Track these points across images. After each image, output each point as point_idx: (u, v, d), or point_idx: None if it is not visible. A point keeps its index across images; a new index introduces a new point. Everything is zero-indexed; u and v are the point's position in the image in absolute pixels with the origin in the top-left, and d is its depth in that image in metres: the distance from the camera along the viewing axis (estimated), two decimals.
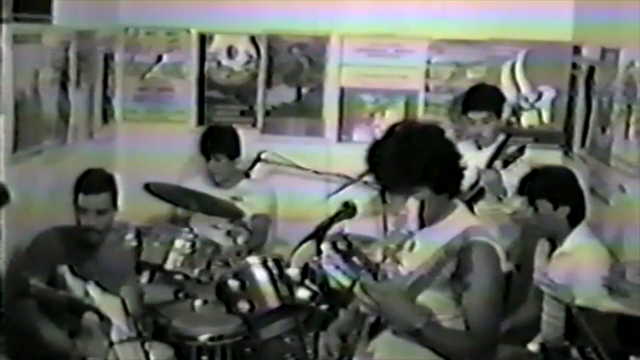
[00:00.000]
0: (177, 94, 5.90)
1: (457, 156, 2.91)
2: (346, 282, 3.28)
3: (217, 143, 5.05)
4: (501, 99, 5.07)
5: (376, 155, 2.87)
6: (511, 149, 4.61)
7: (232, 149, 5.09)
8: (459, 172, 2.94)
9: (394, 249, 2.89)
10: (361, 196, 4.25)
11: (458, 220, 2.89)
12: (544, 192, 3.87)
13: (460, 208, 2.98)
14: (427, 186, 2.83)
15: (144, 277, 4.14)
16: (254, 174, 5.28)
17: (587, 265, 3.74)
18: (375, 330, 2.88)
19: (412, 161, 2.77)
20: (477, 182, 4.58)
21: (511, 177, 4.40)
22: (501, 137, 4.82)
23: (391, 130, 2.93)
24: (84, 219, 3.83)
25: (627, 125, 4.18)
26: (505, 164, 4.52)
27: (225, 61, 5.84)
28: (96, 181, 3.91)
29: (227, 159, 5.04)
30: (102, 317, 2.97)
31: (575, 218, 3.89)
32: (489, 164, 4.57)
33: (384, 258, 2.83)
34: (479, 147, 4.86)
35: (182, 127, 5.86)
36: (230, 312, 4.02)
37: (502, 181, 4.51)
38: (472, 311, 2.73)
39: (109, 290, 3.06)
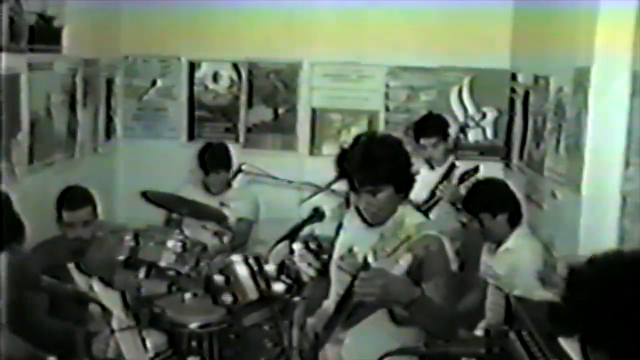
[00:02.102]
0: (170, 113, 5.92)
1: (411, 163, 2.94)
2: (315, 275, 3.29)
3: (217, 159, 5.03)
4: (446, 125, 5.08)
5: (345, 161, 2.90)
6: (463, 168, 4.70)
7: (229, 164, 5.09)
8: (412, 177, 2.98)
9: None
10: (329, 202, 4.23)
11: (413, 220, 2.87)
12: (482, 207, 3.91)
13: (411, 209, 3.01)
14: (390, 185, 2.85)
15: (141, 273, 4.07)
16: (236, 183, 5.24)
17: (526, 261, 3.76)
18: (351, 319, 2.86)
19: (377, 164, 2.79)
20: (432, 195, 4.66)
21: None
22: (451, 158, 4.90)
23: (357, 140, 2.94)
24: (71, 232, 3.82)
25: (558, 141, 4.20)
26: (462, 180, 4.60)
27: (211, 85, 5.87)
28: (78, 197, 3.89)
29: (225, 172, 5.03)
30: (105, 309, 2.97)
31: (514, 220, 3.92)
32: (441, 182, 4.65)
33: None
34: (432, 167, 4.92)
35: (174, 142, 5.89)
36: (216, 304, 3.87)
37: (460, 192, 4.54)
38: (429, 291, 2.69)
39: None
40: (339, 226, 3.21)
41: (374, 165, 2.80)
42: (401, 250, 2.52)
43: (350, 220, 3.12)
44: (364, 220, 2.99)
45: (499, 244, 3.95)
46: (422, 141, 4.89)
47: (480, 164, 4.72)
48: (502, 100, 5.58)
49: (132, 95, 5.90)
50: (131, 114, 5.92)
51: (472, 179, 4.48)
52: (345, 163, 2.91)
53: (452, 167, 4.80)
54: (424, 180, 4.57)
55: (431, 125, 4.98)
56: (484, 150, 5.71)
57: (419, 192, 4.27)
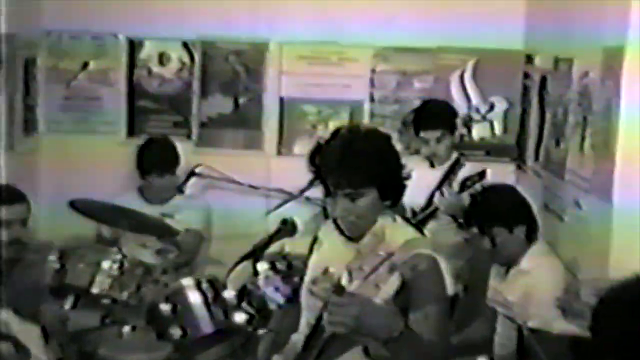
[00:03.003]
0: (106, 103, 5.88)
1: (401, 165, 2.96)
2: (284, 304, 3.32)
3: (160, 159, 5.08)
4: (453, 114, 5.09)
5: (320, 157, 2.92)
6: (468, 170, 4.72)
7: (175, 165, 5.12)
8: (402, 181, 2.98)
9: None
10: (302, 213, 4.27)
11: (398, 234, 2.89)
12: (495, 219, 3.91)
13: (400, 221, 3.02)
14: (373, 187, 2.86)
15: (68, 302, 4.06)
16: (188, 189, 5.29)
17: (543, 285, 3.79)
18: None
19: (359, 162, 2.81)
20: (429, 204, 4.68)
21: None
22: (455, 155, 4.90)
23: (335, 133, 2.96)
24: (9, 232, 3.81)
25: (582, 138, 4.21)
26: (464, 188, 4.60)
27: (156, 68, 5.86)
28: (14, 191, 3.93)
29: (170, 176, 5.07)
30: (20, 347, 2.93)
31: (532, 235, 3.95)
32: (441, 183, 4.68)
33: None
34: (432, 165, 4.93)
35: (111, 139, 5.85)
36: (161, 338, 3.95)
37: (462, 203, 4.52)
38: (415, 322, 2.72)
39: (25, 315, 3.01)
40: (314, 241, 3.20)
41: (354, 163, 2.81)
42: (382, 271, 2.51)
43: (328, 234, 3.13)
44: (344, 233, 3.00)
45: (509, 264, 3.98)
46: (423, 134, 4.89)
47: (487, 168, 4.71)
48: (513, 89, 5.62)
49: (58, 81, 5.86)
50: (56, 104, 5.88)
51: (477, 186, 4.50)
52: (320, 161, 2.92)
53: (457, 164, 4.81)
54: (422, 181, 4.56)
55: (435, 114, 4.98)
56: (491, 150, 5.74)
57: (415, 196, 4.29)
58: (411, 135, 5.26)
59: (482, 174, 4.59)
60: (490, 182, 4.40)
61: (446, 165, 4.88)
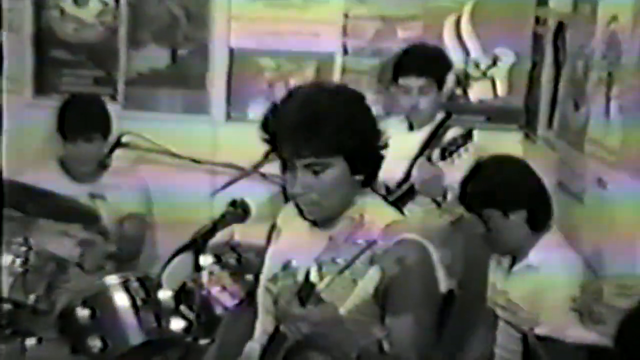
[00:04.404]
0: (8, 53, 5.58)
1: (377, 131, 2.98)
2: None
3: (87, 117, 5.12)
4: (445, 63, 5.13)
5: (274, 120, 2.93)
6: (453, 131, 4.71)
7: (107, 128, 5.17)
8: (378, 151, 3.00)
9: None
10: (257, 193, 4.25)
11: (376, 217, 2.95)
12: (484, 198, 3.98)
13: (376, 200, 3.07)
14: (341, 156, 2.88)
15: None
16: (113, 163, 5.32)
17: (555, 283, 3.82)
18: None
19: (322, 125, 2.82)
20: (407, 178, 4.69)
21: (453, 173, 4.48)
22: (440, 116, 4.91)
23: (295, 91, 3.01)
24: None
25: (608, 99, 4.19)
26: (445, 155, 4.59)
27: (71, 9, 5.83)
28: None
29: (99, 141, 5.12)
30: None
31: (539, 222, 3.98)
32: (421, 151, 4.68)
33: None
34: (411, 128, 4.96)
35: (14, 98, 5.70)
36: (76, 353, 3.96)
37: (441, 179, 4.60)
38: (397, 330, 2.77)
39: None
40: (272, 229, 3.25)
41: (316, 126, 2.82)
42: (360, 266, 2.53)
43: (289, 219, 3.17)
44: (308, 219, 3.03)
45: (514, 257, 4.02)
46: (403, 81, 4.93)
47: (474, 129, 4.72)
48: (522, 37, 5.60)
49: None
50: None
51: (463, 153, 4.55)
52: (274, 125, 2.92)
53: (442, 125, 4.84)
54: (398, 149, 4.38)
55: (422, 59, 5.02)
56: (492, 115, 5.70)
57: (390, 169, 4.31)
58: (387, 85, 5.35)
59: (466, 136, 4.60)
60: (491, 152, 4.37)
61: (429, 128, 4.90)
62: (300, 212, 3.04)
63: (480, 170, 4.08)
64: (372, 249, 2.57)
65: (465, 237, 4.62)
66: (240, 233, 3.91)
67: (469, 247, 4.58)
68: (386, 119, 4.83)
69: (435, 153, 4.62)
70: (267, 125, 2.94)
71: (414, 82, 4.89)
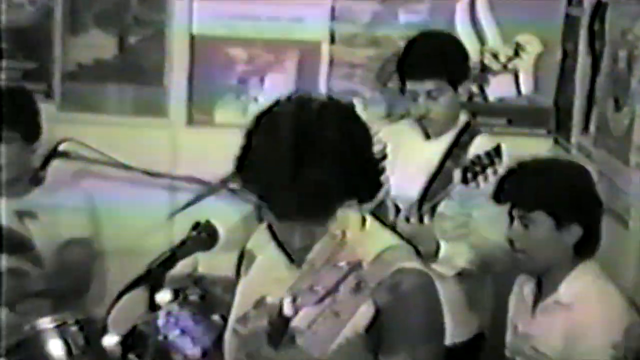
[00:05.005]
0: None
1: (370, 144, 2.93)
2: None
3: (11, 114, 4.87)
4: (460, 56, 4.79)
5: (249, 149, 2.84)
6: (481, 140, 4.54)
7: (36, 126, 4.96)
8: (375, 165, 2.98)
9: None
10: (226, 213, 4.42)
11: (369, 240, 2.92)
12: (541, 199, 3.81)
13: (370, 221, 3.01)
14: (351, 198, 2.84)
15: None
16: (49, 176, 5.13)
17: (593, 324, 3.70)
18: None
19: (304, 135, 2.76)
20: (424, 197, 4.50)
21: (478, 201, 4.38)
22: (463, 117, 4.71)
23: (274, 107, 2.88)
24: None
25: None
26: (468, 176, 4.36)
27: None
28: None
29: (22, 142, 4.89)
30: None
31: (588, 246, 3.86)
32: (441, 166, 4.50)
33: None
34: (427, 136, 4.72)
35: None
36: None
37: (428, 234, 4.41)
38: None
39: None
40: (241, 257, 3.19)
41: (302, 182, 2.72)
42: (345, 292, 2.54)
43: (263, 246, 3.11)
44: (281, 245, 2.98)
45: (539, 289, 3.94)
46: (410, 85, 4.65)
47: (502, 143, 4.39)
48: (551, 21, 5.57)
49: None
50: None
51: (490, 176, 4.27)
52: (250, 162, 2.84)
53: (464, 132, 4.61)
54: (414, 160, 4.50)
55: (426, 55, 4.69)
56: (515, 116, 5.65)
57: (404, 185, 4.28)
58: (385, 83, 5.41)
59: (494, 153, 4.34)
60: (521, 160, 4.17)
61: (449, 136, 4.65)
62: (274, 236, 2.97)
63: (535, 166, 3.94)
64: (358, 274, 2.58)
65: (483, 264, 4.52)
66: (205, 263, 3.84)
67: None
68: (397, 124, 4.81)
69: (457, 175, 4.36)
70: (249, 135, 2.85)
71: (419, 86, 4.62)
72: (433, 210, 4.51)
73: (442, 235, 4.48)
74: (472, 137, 4.62)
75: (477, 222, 4.55)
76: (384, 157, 3.10)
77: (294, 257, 2.95)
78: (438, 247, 4.41)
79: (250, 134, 2.87)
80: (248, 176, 2.86)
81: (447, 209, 4.53)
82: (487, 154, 4.32)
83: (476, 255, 4.33)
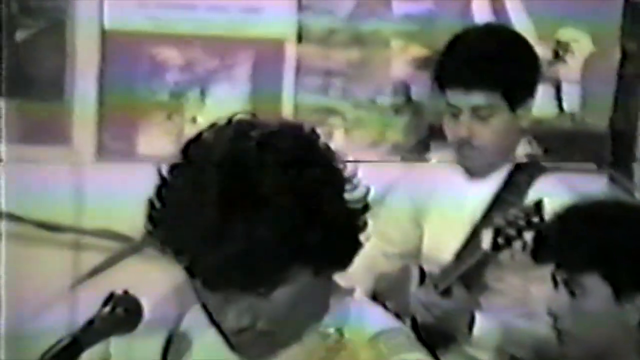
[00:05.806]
0: None
1: (343, 207, 2.71)
2: None
3: None
4: (528, 63, 4.46)
5: (168, 192, 2.56)
6: (545, 183, 4.37)
7: None
8: (351, 231, 2.72)
9: None
10: (151, 279, 4.43)
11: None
12: (594, 258, 3.60)
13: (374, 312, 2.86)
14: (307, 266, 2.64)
15: None
16: None
17: None
18: None
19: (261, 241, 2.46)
20: (458, 260, 4.36)
21: (511, 279, 4.33)
22: (523, 147, 4.60)
23: (203, 135, 2.63)
24: None
25: None
26: (500, 241, 4.21)
27: None
28: None
29: None
30: None
31: None
32: (485, 217, 4.36)
33: None
34: (470, 174, 4.53)
35: None
36: None
37: (462, 310, 4.30)
38: None
39: None
40: (168, 344, 3.03)
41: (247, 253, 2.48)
42: None
43: (199, 329, 2.92)
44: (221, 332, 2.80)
45: None
46: (452, 97, 4.37)
47: (545, 198, 4.22)
48: (605, 15, 5.47)
49: None
50: None
51: (529, 239, 4.15)
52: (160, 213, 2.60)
53: (521, 171, 4.41)
54: (452, 208, 4.43)
55: (484, 54, 4.37)
56: (554, 143, 5.41)
57: (439, 240, 4.34)
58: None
59: (534, 211, 4.17)
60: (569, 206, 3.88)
61: (500, 175, 4.44)
62: (212, 319, 2.75)
63: (590, 214, 3.73)
64: None
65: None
66: (120, 352, 3.91)
67: None
68: (425, 156, 5.00)
69: (486, 238, 4.22)
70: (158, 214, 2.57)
71: (462, 99, 4.33)
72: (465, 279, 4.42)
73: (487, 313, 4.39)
74: (532, 177, 4.40)
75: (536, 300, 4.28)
76: (366, 207, 2.57)
77: (232, 342, 2.69)
78: (472, 321, 4.29)
79: (171, 171, 2.55)
80: (164, 231, 2.55)
81: (494, 280, 4.41)
82: (525, 211, 4.19)
83: (533, 341, 4.12)
